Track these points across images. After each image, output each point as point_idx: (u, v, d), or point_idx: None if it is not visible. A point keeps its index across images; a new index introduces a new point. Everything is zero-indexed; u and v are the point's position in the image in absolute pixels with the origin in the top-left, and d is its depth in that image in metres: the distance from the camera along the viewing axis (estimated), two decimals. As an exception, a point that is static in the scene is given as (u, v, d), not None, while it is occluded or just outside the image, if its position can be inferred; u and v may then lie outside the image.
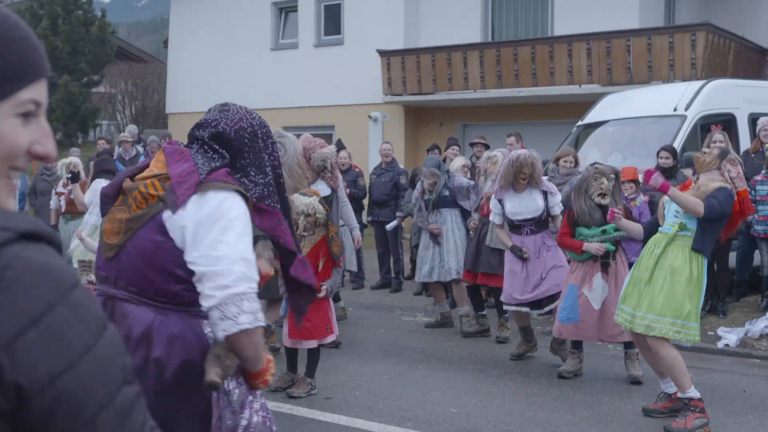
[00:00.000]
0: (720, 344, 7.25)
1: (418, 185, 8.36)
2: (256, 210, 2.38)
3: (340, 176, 7.97)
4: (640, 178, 7.63)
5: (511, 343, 7.32)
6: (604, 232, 5.96)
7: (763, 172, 8.19)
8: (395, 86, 15.89)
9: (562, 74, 14.05)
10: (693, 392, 5.08)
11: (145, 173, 2.36)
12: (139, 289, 2.25)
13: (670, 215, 5.24)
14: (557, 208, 6.74)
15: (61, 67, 20.55)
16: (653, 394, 5.80)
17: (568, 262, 6.55)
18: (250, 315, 2.13)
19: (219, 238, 2.15)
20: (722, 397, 5.76)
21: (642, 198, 7.31)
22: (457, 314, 8.14)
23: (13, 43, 0.97)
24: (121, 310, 2.26)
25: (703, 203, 4.94)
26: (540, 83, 14.31)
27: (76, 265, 5.77)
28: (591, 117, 10.59)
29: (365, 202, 10.56)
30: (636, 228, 5.60)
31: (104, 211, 2.39)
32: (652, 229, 5.43)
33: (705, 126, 8.97)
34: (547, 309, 6.82)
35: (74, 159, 9.21)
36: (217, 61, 18.43)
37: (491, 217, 6.93)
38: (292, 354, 5.98)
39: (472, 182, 8.11)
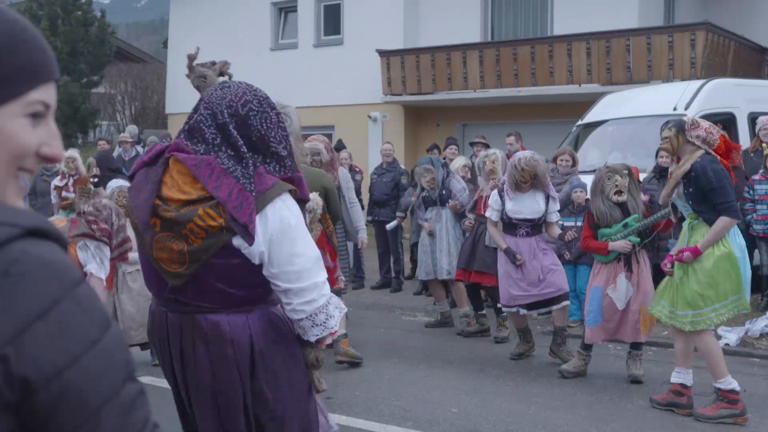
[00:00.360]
0: (720, 343, 7.23)
1: (417, 186, 8.38)
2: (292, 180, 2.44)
3: (346, 173, 7.95)
4: (641, 177, 7.64)
5: (510, 342, 7.32)
6: (625, 225, 5.92)
7: (761, 171, 8.18)
8: (395, 86, 15.89)
9: (562, 74, 14.05)
10: (725, 383, 5.07)
11: (174, 192, 2.32)
12: (222, 304, 2.36)
13: (682, 209, 5.27)
14: (554, 216, 6.70)
15: (60, 67, 20.46)
16: (654, 394, 5.81)
17: (569, 260, 6.57)
18: (335, 318, 2.37)
19: (292, 252, 2.29)
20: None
21: (642, 197, 7.31)
22: (457, 314, 8.14)
23: (22, 45, 0.99)
24: (205, 320, 2.37)
25: (721, 214, 4.93)
26: (539, 83, 14.31)
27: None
28: (590, 116, 10.59)
29: (365, 202, 10.58)
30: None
31: (147, 235, 2.37)
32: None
33: (705, 125, 8.97)
34: (544, 310, 6.82)
35: (73, 152, 9.25)
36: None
37: (488, 213, 6.86)
38: None
39: (465, 191, 8.02)
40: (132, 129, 15.81)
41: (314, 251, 2.35)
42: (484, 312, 7.90)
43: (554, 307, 6.65)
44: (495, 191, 6.81)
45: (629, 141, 9.78)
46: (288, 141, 2.46)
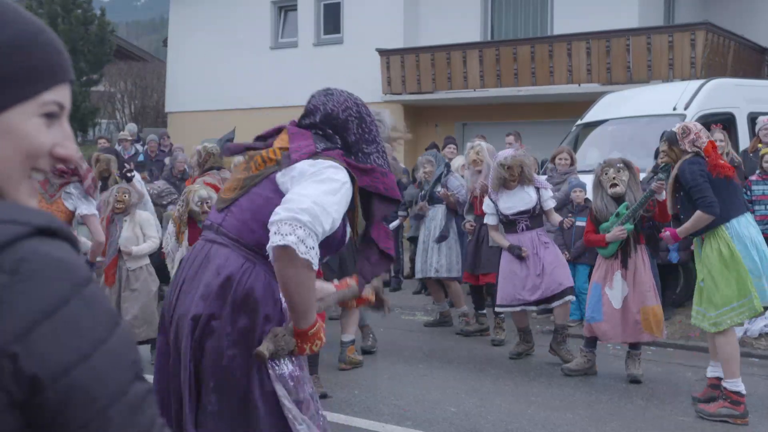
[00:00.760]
0: (719, 343, 7.24)
1: (418, 176, 8.40)
2: (366, 171, 2.60)
3: None
4: (641, 177, 7.64)
5: (510, 342, 7.31)
6: (617, 216, 5.93)
7: (758, 172, 8.19)
8: (395, 85, 15.88)
9: (562, 73, 14.04)
10: (733, 384, 5.13)
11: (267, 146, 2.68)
12: (238, 236, 2.52)
13: None
14: (550, 202, 6.75)
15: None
16: (653, 394, 5.82)
17: (569, 260, 6.58)
18: (298, 241, 2.29)
19: (310, 184, 2.42)
20: (721, 397, 5.76)
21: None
22: (457, 314, 8.14)
23: (38, 46, 1.00)
24: (216, 251, 2.52)
25: (699, 208, 5.02)
26: (539, 82, 14.30)
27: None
28: (590, 116, 10.59)
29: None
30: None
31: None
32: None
33: (704, 125, 8.93)
34: (545, 307, 6.82)
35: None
36: (216, 60, 18.41)
37: (486, 219, 6.90)
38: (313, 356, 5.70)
39: (463, 188, 7.99)
40: (131, 127, 15.82)
41: (327, 204, 2.38)
42: (484, 311, 7.90)
43: (556, 303, 6.63)
44: (486, 198, 6.86)
45: (629, 141, 9.77)
46: (381, 145, 2.71)
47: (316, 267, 2.36)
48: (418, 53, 15.62)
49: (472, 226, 7.63)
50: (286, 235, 2.29)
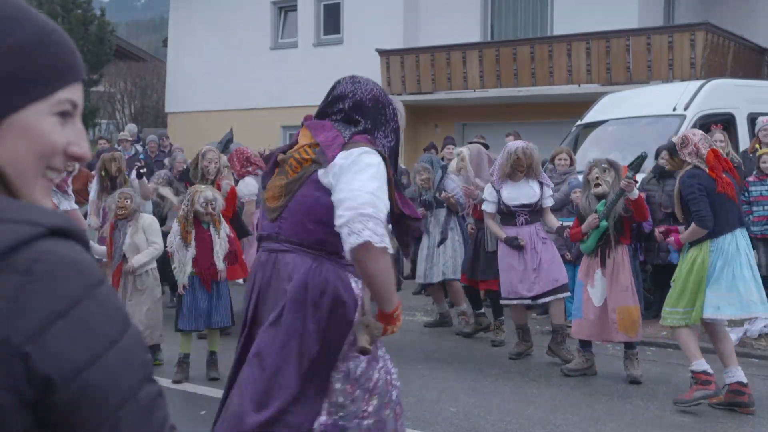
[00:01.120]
0: (719, 344, 7.24)
1: (413, 184, 8.38)
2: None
3: None
4: (639, 177, 7.64)
5: (509, 342, 7.31)
6: (595, 212, 6.05)
7: (755, 172, 8.19)
8: (394, 85, 15.88)
9: (562, 74, 14.05)
10: (698, 365, 5.35)
11: (295, 147, 2.80)
12: (299, 239, 2.67)
13: None
14: (549, 201, 6.77)
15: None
16: (653, 394, 5.82)
17: (570, 261, 6.61)
18: (372, 234, 2.45)
19: (354, 177, 2.55)
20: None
21: (636, 194, 7.32)
22: (456, 312, 8.14)
23: (53, 46, 1.01)
24: (283, 259, 2.68)
25: (693, 223, 5.26)
26: (539, 83, 14.31)
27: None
28: (590, 116, 10.59)
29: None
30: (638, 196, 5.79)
31: (264, 184, 2.87)
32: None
33: (704, 125, 8.97)
34: (542, 301, 6.82)
35: None
36: (216, 60, 18.42)
37: (484, 206, 6.86)
38: None
39: (459, 191, 7.96)
40: (131, 128, 15.81)
41: (376, 190, 2.55)
42: (482, 311, 7.90)
43: (550, 298, 6.64)
44: (489, 184, 6.85)
45: (629, 141, 9.77)
46: (397, 134, 2.88)
47: (390, 251, 2.56)
48: (417, 53, 15.63)
49: (473, 229, 7.64)
50: (361, 231, 2.45)
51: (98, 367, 0.91)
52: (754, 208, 8.10)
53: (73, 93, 1.03)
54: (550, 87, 14.21)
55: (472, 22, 16.23)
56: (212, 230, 6.09)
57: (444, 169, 8.30)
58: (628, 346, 6.17)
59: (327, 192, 2.62)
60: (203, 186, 6.36)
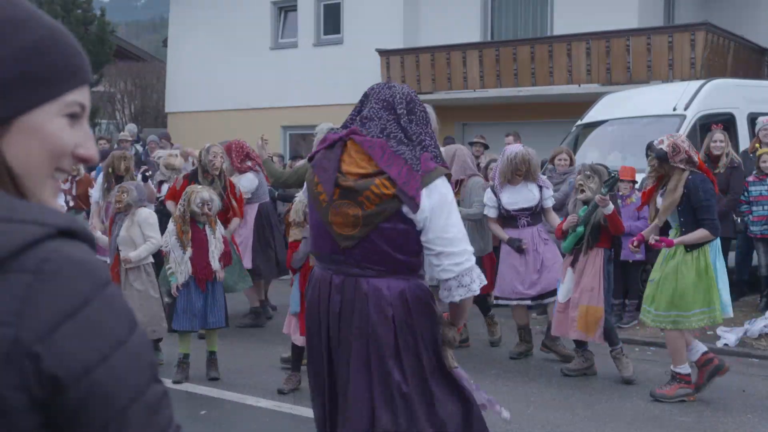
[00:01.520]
0: (719, 344, 7.24)
1: None
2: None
3: None
4: (638, 177, 7.64)
5: (509, 342, 7.30)
6: (578, 215, 6.14)
7: (755, 172, 8.19)
8: (394, 86, 15.87)
9: (562, 74, 14.05)
10: (683, 369, 5.62)
11: (352, 168, 2.82)
12: (387, 268, 2.81)
13: (671, 220, 5.62)
14: (549, 201, 6.81)
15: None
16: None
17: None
18: (479, 282, 2.80)
19: (447, 222, 2.76)
20: (721, 397, 5.76)
21: (638, 195, 7.32)
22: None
23: (62, 48, 1.03)
24: (371, 284, 2.80)
25: (705, 227, 5.38)
26: (539, 83, 14.31)
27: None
28: (590, 116, 10.59)
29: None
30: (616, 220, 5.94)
31: (328, 204, 2.88)
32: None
33: (704, 125, 8.98)
34: (539, 303, 6.84)
35: None
36: (216, 60, 18.41)
37: (485, 211, 6.87)
38: (300, 352, 5.69)
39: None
40: (131, 128, 15.81)
41: (463, 227, 2.83)
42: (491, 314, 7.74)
43: (549, 299, 6.67)
44: (488, 189, 6.87)
45: (629, 141, 9.77)
46: (434, 136, 2.97)
47: None
48: (417, 53, 15.62)
49: None
50: (470, 284, 2.78)
51: (106, 367, 0.91)
52: (754, 208, 8.10)
53: (81, 95, 1.04)
54: (550, 87, 14.20)
55: (472, 22, 16.22)
56: (208, 230, 6.08)
57: None
58: (610, 344, 6.18)
59: (412, 223, 2.77)
60: (200, 186, 6.34)
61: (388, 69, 15.88)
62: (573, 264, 6.13)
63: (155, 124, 21.67)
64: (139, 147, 13.82)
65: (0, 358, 0.87)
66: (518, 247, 6.63)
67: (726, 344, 7.20)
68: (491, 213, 6.81)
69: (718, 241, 5.67)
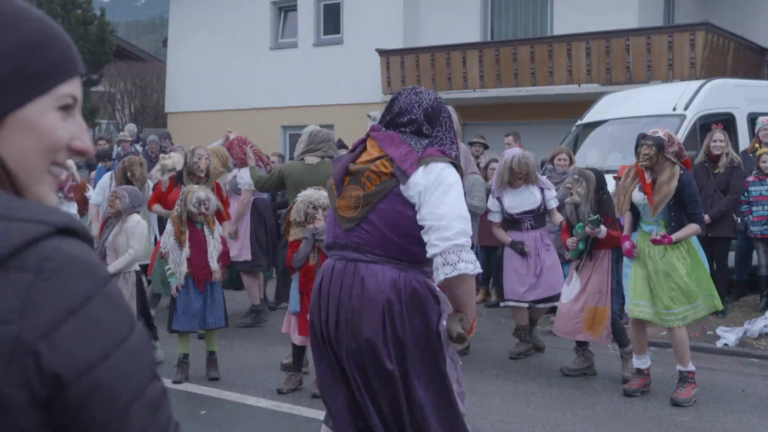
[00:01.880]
0: (719, 344, 7.25)
1: None
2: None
3: None
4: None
5: (509, 342, 7.30)
6: (576, 229, 6.14)
7: (755, 172, 8.19)
8: (394, 85, 15.88)
9: (562, 74, 14.05)
10: (691, 366, 5.63)
11: (365, 157, 2.91)
12: (385, 251, 2.79)
13: (643, 213, 5.66)
14: (553, 202, 6.86)
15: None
16: (653, 394, 5.81)
17: (564, 262, 6.65)
18: (468, 264, 2.68)
19: (441, 199, 2.70)
20: (721, 397, 5.77)
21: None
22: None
23: (52, 41, 1.03)
24: (368, 269, 2.79)
25: (696, 222, 5.48)
26: (539, 83, 14.31)
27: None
28: (590, 116, 10.59)
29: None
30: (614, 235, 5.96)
31: (339, 193, 2.96)
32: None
33: (704, 125, 8.98)
34: (539, 307, 6.86)
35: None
36: (216, 60, 18.41)
37: (489, 217, 6.95)
38: (300, 352, 5.74)
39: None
40: (131, 128, 15.80)
41: (464, 211, 2.74)
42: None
43: (545, 305, 6.84)
44: (490, 195, 6.93)
45: (629, 141, 9.71)
46: (455, 140, 2.98)
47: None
48: (417, 53, 15.63)
49: None
50: (456, 264, 2.66)
51: (108, 365, 0.91)
52: (754, 208, 8.10)
53: (73, 87, 1.04)
54: (550, 87, 14.20)
55: (472, 22, 16.22)
56: (206, 230, 6.06)
57: None
58: (620, 345, 6.20)
59: (410, 205, 2.75)
60: (196, 186, 6.32)
61: (388, 69, 15.88)
62: (578, 267, 6.10)
63: (155, 124, 21.67)
64: (138, 147, 13.81)
65: (2, 356, 0.87)
66: (521, 250, 6.67)
67: (726, 344, 7.21)
68: (495, 218, 6.89)
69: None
